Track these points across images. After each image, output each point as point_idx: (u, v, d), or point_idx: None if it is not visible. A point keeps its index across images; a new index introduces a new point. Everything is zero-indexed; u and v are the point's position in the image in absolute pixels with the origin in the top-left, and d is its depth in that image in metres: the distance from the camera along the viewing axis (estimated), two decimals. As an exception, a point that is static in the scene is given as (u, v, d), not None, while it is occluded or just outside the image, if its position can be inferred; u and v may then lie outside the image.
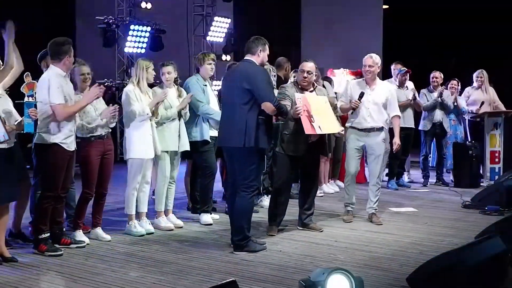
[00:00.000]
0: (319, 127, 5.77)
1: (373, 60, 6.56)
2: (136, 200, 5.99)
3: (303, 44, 14.96)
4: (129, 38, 11.99)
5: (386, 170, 9.26)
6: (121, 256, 5.25)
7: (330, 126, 6.03)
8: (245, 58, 5.49)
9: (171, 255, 5.27)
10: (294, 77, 7.12)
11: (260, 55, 5.44)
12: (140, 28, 12.09)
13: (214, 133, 6.29)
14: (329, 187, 8.61)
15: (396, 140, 6.73)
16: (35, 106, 5.05)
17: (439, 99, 9.03)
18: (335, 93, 8.52)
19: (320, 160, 6.37)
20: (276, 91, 6.27)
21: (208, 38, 13.48)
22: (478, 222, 6.53)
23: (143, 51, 12.10)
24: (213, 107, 6.47)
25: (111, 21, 11.92)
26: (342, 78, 10.58)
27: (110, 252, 5.38)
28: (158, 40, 12.50)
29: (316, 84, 6.35)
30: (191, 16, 13.61)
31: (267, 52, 5.53)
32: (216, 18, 13.42)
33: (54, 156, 5.17)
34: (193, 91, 6.37)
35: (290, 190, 6.33)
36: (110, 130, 5.78)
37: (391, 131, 6.95)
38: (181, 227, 6.31)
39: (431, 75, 9.28)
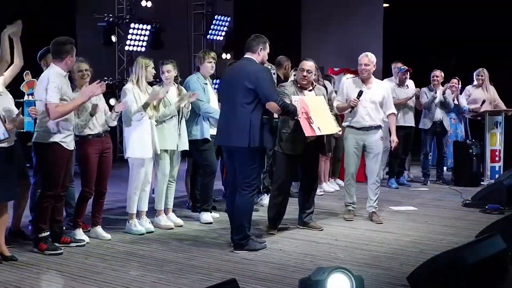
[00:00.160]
0: (318, 128, 5.77)
1: (369, 58, 6.57)
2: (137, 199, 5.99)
3: (303, 43, 14.94)
4: (129, 36, 11.98)
5: (387, 169, 9.28)
6: (121, 255, 5.25)
7: (329, 127, 6.02)
8: (245, 56, 5.46)
9: (171, 254, 5.26)
10: (294, 75, 7.11)
11: (260, 54, 5.42)
12: (140, 26, 12.09)
13: (215, 131, 6.26)
14: (329, 186, 8.60)
15: (393, 138, 6.77)
16: (35, 105, 5.04)
17: (441, 96, 9.02)
18: (335, 91, 8.51)
19: (319, 159, 6.35)
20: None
21: (208, 37, 13.46)
22: (479, 221, 6.53)
23: (143, 49, 12.09)
24: (213, 105, 6.47)
25: (111, 19, 11.91)
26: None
27: (110, 251, 5.37)
28: (158, 39, 12.48)
29: (315, 83, 6.34)
30: (191, 15, 13.59)
31: (268, 50, 5.51)
32: (216, 17, 13.41)
33: (53, 155, 5.16)
34: (193, 90, 6.36)
35: (290, 189, 6.32)
36: (109, 129, 5.77)
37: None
38: (181, 225, 6.31)
39: (432, 74, 9.27)
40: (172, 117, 6.18)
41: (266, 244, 5.49)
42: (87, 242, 5.52)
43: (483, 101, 9.46)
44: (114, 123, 5.79)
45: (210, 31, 13.42)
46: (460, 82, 9.87)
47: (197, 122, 6.43)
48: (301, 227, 6.21)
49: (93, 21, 11.86)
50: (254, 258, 5.13)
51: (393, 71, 9.12)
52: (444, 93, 9.05)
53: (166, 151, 6.18)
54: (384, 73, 10.97)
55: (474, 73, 9.72)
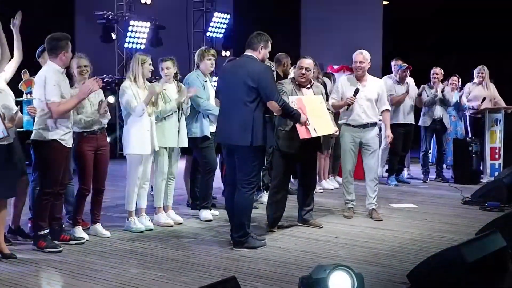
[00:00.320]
0: (314, 129, 5.76)
1: (364, 56, 6.58)
2: (136, 196, 5.98)
3: (302, 40, 14.92)
4: (128, 33, 11.97)
5: (386, 167, 9.28)
6: (120, 252, 5.24)
7: (325, 127, 6.01)
8: (245, 53, 5.44)
9: (170, 252, 5.26)
10: (294, 73, 7.10)
11: (261, 52, 5.40)
12: (140, 23, 12.07)
13: (214, 128, 6.26)
14: (328, 183, 8.60)
15: (388, 133, 6.82)
16: (33, 103, 5.03)
17: (440, 94, 9.02)
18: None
19: (317, 156, 6.35)
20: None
21: (207, 34, 13.45)
22: (478, 218, 6.53)
23: (142, 46, 12.07)
24: (213, 103, 6.45)
25: (110, 16, 11.89)
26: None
27: (110, 248, 5.37)
28: (158, 36, 12.47)
29: (313, 81, 6.33)
30: (190, 12, 13.57)
31: (269, 49, 5.49)
32: (215, 14, 13.39)
33: (52, 152, 5.15)
34: (193, 87, 6.34)
35: (288, 186, 6.32)
36: (106, 126, 5.75)
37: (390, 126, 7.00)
38: (181, 223, 6.30)
39: (432, 71, 9.26)
40: (172, 114, 6.17)
41: (265, 241, 5.48)
42: (87, 240, 5.52)
43: (483, 99, 9.45)
44: (106, 120, 5.74)
45: (209, 28, 13.40)
46: (460, 79, 9.86)
47: (196, 119, 6.42)
48: (300, 224, 6.21)
49: (93, 18, 11.84)
50: (254, 255, 5.13)
51: (393, 69, 9.11)
52: (443, 90, 9.04)
53: (165, 148, 6.17)
54: (383, 70, 10.95)
55: (474, 71, 9.71)
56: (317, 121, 5.82)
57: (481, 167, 9.30)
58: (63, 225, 5.59)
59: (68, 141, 5.24)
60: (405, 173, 9.42)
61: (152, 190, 6.59)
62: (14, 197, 5.37)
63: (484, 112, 9.33)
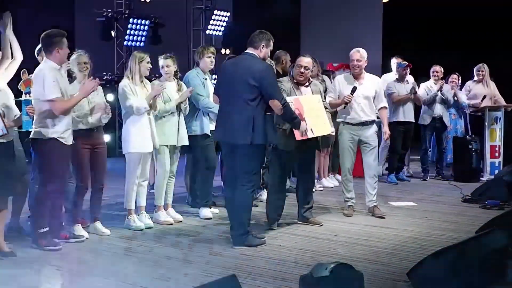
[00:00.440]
0: (312, 130, 5.76)
1: (361, 54, 6.60)
2: (135, 195, 5.97)
3: (302, 38, 14.91)
4: (128, 31, 11.95)
5: (386, 165, 9.27)
6: (120, 250, 5.24)
7: (322, 128, 6.01)
8: (246, 51, 5.43)
9: (170, 250, 5.26)
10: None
11: (262, 50, 5.39)
12: (139, 21, 12.05)
13: (214, 127, 6.25)
14: (328, 181, 8.59)
15: (386, 130, 6.83)
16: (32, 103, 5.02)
17: (439, 92, 9.01)
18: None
19: (315, 154, 6.34)
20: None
21: (207, 32, 13.43)
22: (478, 216, 6.52)
23: (142, 44, 12.06)
24: (212, 100, 6.44)
25: (110, 14, 11.88)
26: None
27: (109, 246, 5.37)
28: (157, 34, 12.45)
29: (311, 79, 6.32)
30: (190, 10, 13.55)
31: (271, 48, 5.48)
32: (215, 12, 13.38)
33: (52, 150, 5.14)
34: (193, 85, 6.34)
35: (286, 184, 6.31)
36: (103, 124, 5.74)
37: (389, 125, 6.99)
38: (181, 221, 6.30)
39: (432, 69, 9.25)
40: (172, 112, 6.16)
41: (265, 239, 5.48)
42: (86, 238, 5.51)
43: (484, 97, 9.44)
44: (105, 121, 5.74)
45: (209, 26, 13.39)
46: (460, 78, 9.85)
47: (196, 118, 6.41)
48: (300, 222, 6.21)
49: (92, 16, 11.82)
50: (253, 253, 5.12)
51: (393, 66, 9.11)
52: (441, 89, 9.03)
53: (166, 146, 6.16)
54: (383, 68, 10.94)
55: (475, 69, 9.71)
56: (314, 121, 5.82)
57: (481, 165, 9.30)
58: (63, 223, 5.58)
59: (67, 139, 5.23)
60: (404, 171, 9.41)
61: (152, 188, 6.58)
62: (14, 196, 5.37)
63: (484, 110, 9.32)
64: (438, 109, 9.13)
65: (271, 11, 13.31)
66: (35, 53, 5.85)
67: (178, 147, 6.32)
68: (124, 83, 5.89)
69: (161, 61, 6.23)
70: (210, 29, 13.41)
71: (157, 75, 6.51)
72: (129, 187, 5.92)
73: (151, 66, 6.01)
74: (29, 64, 5.32)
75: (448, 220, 6.50)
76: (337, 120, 6.78)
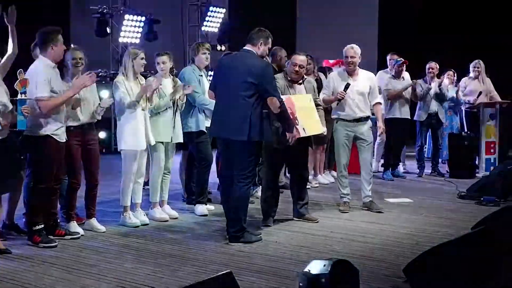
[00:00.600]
0: (304, 129, 5.77)
1: (354, 50, 6.61)
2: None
3: (298, 34, 14.89)
4: (123, 28, 11.92)
5: (382, 161, 9.28)
6: (116, 247, 5.22)
7: (314, 127, 6.02)
8: (244, 47, 5.42)
9: (166, 247, 5.24)
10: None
11: (260, 48, 5.38)
12: (135, 18, 12.01)
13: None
14: (324, 178, 8.58)
15: (380, 125, 6.82)
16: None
17: (437, 88, 9.01)
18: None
19: (308, 150, 6.34)
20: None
21: (203, 28, 13.40)
22: (474, 213, 6.53)
23: (137, 41, 12.02)
24: (207, 96, 6.42)
25: (105, 10, 11.84)
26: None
27: (105, 243, 5.35)
28: (153, 30, 12.42)
29: (305, 77, 6.31)
30: (186, 6, 13.51)
31: (269, 46, 5.48)
32: (211, 8, 13.34)
33: (45, 148, 5.12)
34: (189, 82, 6.31)
35: (278, 180, 6.30)
36: (95, 121, 5.72)
37: (385, 121, 7.01)
38: (176, 218, 6.29)
39: (427, 66, 9.24)
40: (167, 109, 6.14)
41: (261, 236, 5.47)
42: (82, 235, 5.50)
43: (479, 93, 9.45)
44: (99, 117, 5.71)
45: (205, 23, 13.35)
46: (455, 74, 9.86)
47: (192, 114, 6.40)
48: (296, 219, 6.20)
49: (87, 12, 11.78)
50: (249, 250, 5.12)
51: (389, 63, 9.11)
52: (440, 85, 9.04)
53: (161, 143, 6.15)
54: (379, 64, 10.94)
55: (470, 65, 9.72)
56: (306, 121, 5.84)
57: (476, 162, 9.31)
58: (58, 220, 5.57)
59: (61, 136, 5.21)
60: (400, 167, 9.41)
61: (146, 185, 6.56)
62: (8, 193, 5.34)
63: (479, 107, 9.33)
64: (434, 105, 9.13)
65: (267, 7, 13.30)
66: (31, 49, 5.81)
67: (174, 144, 6.31)
68: (119, 79, 5.86)
69: (157, 58, 6.21)
70: (206, 26, 13.37)
71: (152, 71, 6.49)
72: (125, 184, 5.91)
73: (145, 62, 5.97)
74: (22, 60, 5.27)
75: (444, 216, 6.51)
76: (332, 116, 6.79)
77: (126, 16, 11.91)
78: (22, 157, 5.59)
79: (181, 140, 6.28)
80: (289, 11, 14.89)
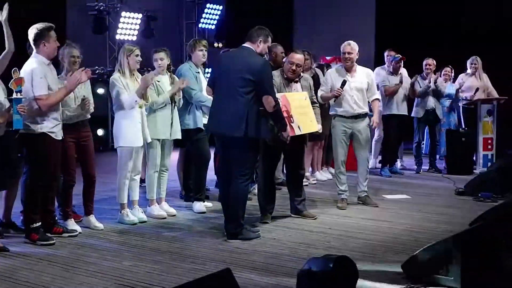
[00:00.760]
0: (299, 127, 5.78)
1: (352, 47, 6.62)
2: (128, 189, 5.94)
3: (295, 31, 14.86)
4: (120, 25, 11.90)
5: (379, 158, 9.28)
6: (113, 245, 5.21)
7: (310, 125, 6.01)
8: (244, 45, 5.41)
9: (164, 244, 5.24)
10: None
11: (259, 46, 5.37)
12: (132, 15, 11.99)
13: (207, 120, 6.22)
14: (322, 175, 8.58)
15: (375, 119, 6.81)
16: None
17: (433, 85, 9.01)
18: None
19: (303, 147, 6.34)
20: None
21: (200, 25, 13.38)
22: (472, 209, 6.54)
23: (134, 38, 12.00)
24: (205, 93, 6.40)
25: (102, 7, 11.81)
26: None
27: (103, 241, 5.34)
28: (150, 27, 12.39)
29: (302, 74, 6.30)
30: (182, 3, 13.49)
31: (268, 44, 5.46)
32: (208, 5, 13.32)
33: (42, 145, 5.10)
34: (185, 79, 6.30)
35: (274, 177, 6.30)
36: (88, 117, 5.70)
37: (382, 118, 7.01)
38: (174, 215, 6.28)
39: (424, 62, 9.25)
40: (165, 105, 6.12)
41: (260, 233, 5.47)
42: (79, 232, 5.49)
43: (476, 89, 9.46)
44: (88, 116, 5.69)
45: (201, 20, 13.33)
46: (453, 70, 9.86)
47: (189, 111, 6.38)
48: (294, 215, 6.20)
49: (84, 9, 11.75)
50: (248, 247, 5.12)
51: (386, 59, 9.10)
52: (436, 81, 9.04)
53: (158, 140, 6.13)
54: (376, 60, 10.92)
55: (468, 61, 9.73)
56: (301, 118, 5.83)
57: (474, 158, 9.32)
58: (56, 218, 5.55)
59: (57, 134, 5.19)
60: (398, 164, 9.42)
61: (142, 182, 6.55)
62: (5, 190, 5.33)
63: (477, 103, 9.34)
64: (431, 102, 9.13)
65: (264, 4, 13.27)
66: (27, 47, 5.78)
67: (171, 141, 6.29)
68: (115, 76, 5.84)
69: (154, 55, 6.20)
70: (203, 23, 13.36)
71: (149, 68, 6.47)
72: (121, 181, 5.89)
73: (140, 59, 5.94)
74: (17, 58, 5.23)
75: (442, 212, 6.52)
76: (330, 113, 6.79)
77: (123, 13, 11.89)
78: (19, 155, 5.59)
79: (179, 137, 6.27)
80: (286, 8, 14.85)
